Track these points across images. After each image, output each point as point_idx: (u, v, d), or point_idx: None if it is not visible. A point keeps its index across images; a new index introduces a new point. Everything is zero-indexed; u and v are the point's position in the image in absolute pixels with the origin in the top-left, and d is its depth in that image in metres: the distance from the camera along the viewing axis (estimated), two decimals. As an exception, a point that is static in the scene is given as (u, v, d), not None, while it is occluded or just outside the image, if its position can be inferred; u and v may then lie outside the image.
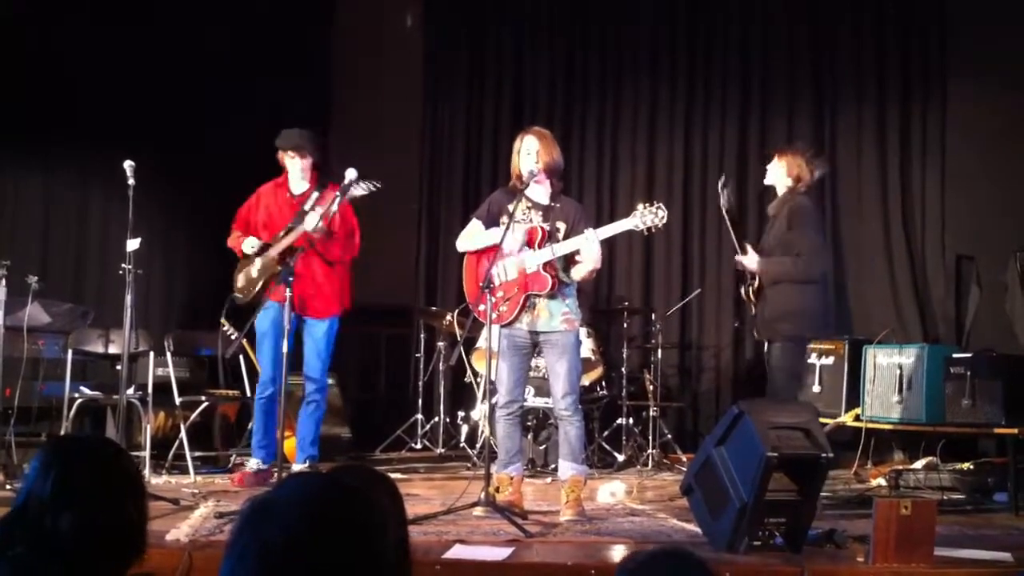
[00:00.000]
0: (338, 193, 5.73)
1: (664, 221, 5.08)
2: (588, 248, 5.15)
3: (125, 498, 2.00)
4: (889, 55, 8.30)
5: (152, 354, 6.72)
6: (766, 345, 5.80)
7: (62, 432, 6.37)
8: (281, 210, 6.29)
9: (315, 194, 6.20)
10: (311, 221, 5.91)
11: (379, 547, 1.55)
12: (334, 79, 9.39)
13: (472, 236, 5.38)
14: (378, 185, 5.85)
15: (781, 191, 5.75)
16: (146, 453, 6.30)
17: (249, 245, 6.21)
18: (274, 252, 6.15)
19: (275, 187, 6.39)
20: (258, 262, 6.21)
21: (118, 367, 6.11)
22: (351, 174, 5.65)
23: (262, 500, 1.55)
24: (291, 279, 5.25)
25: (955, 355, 6.03)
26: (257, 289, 6.17)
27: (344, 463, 5.86)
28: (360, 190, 5.78)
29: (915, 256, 8.08)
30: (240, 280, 6.30)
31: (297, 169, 6.28)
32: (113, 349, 6.72)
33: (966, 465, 6.40)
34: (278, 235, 6.18)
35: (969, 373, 5.77)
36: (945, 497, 5.89)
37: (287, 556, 1.48)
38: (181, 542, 4.17)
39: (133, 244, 5.71)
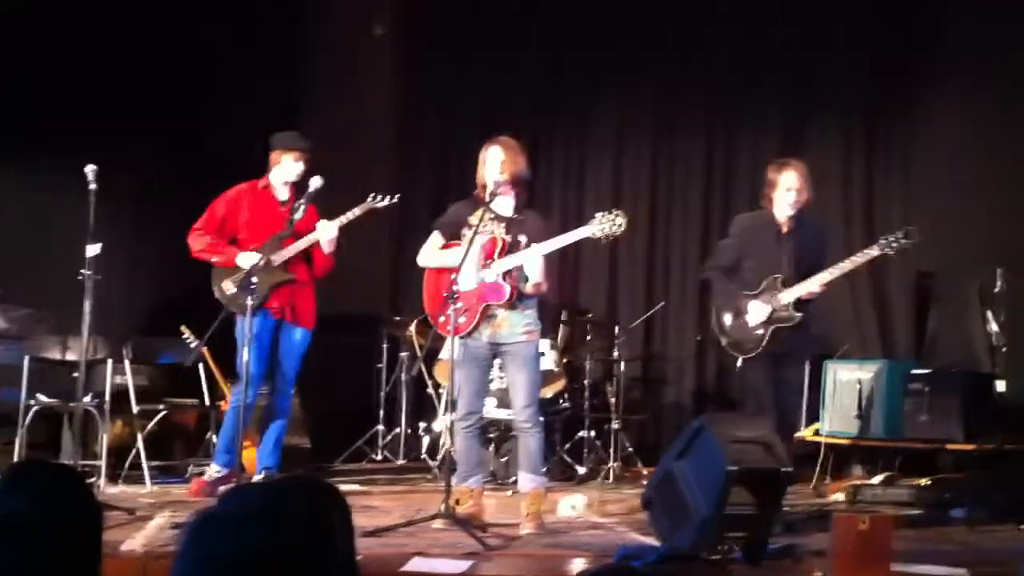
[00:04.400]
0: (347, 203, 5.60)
1: (622, 229, 5.06)
2: (530, 263, 5.13)
3: (91, 518, 1.99)
4: (856, 69, 8.34)
5: (110, 361, 6.63)
6: (738, 361, 5.68)
7: (17, 439, 6.28)
8: (269, 215, 6.12)
9: (302, 206, 5.97)
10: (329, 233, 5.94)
11: (327, 560, 1.53)
12: (308, 90, 9.28)
13: (432, 254, 5.35)
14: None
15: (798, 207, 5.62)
16: (102, 462, 6.22)
17: (247, 260, 5.93)
18: (279, 260, 6.00)
19: (258, 190, 6.17)
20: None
21: (75, 374, 6.03)
22: (316, 182, 5.61)
23: (206, 515, 1.53)
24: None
25: (914, 371, 6.10)
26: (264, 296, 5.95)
27: (288, 474, 5.80)
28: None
29: (876, 271, 8.13)
30: (228, 287, 6.02)
31: (293, 174, 6.11)
32: (71, 356, 6.64)
33: (924, 480, 6.45)
34: (269, 242, 6.01)
35: (928, 389, 5.83)
36: (903, 512, 5.93)
37: (233, 571, 1.45)
38: (136, 552, 4.14)
39: (93, 250, 5.62)
